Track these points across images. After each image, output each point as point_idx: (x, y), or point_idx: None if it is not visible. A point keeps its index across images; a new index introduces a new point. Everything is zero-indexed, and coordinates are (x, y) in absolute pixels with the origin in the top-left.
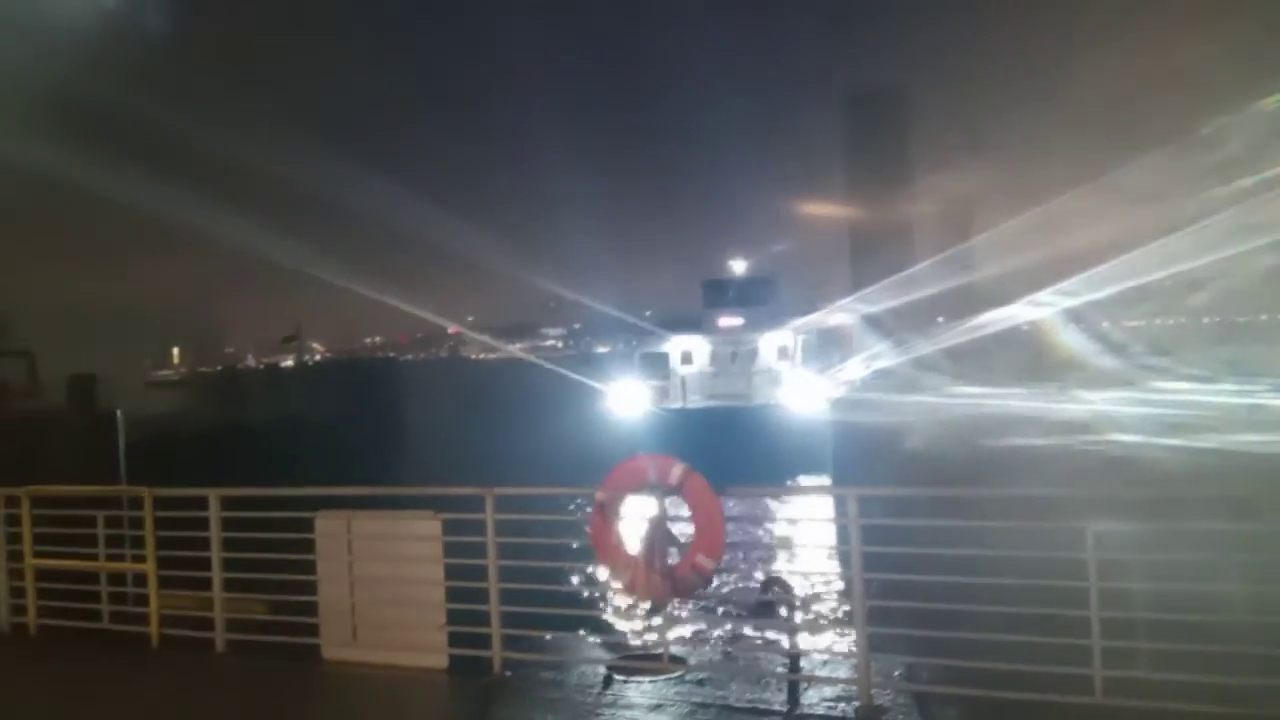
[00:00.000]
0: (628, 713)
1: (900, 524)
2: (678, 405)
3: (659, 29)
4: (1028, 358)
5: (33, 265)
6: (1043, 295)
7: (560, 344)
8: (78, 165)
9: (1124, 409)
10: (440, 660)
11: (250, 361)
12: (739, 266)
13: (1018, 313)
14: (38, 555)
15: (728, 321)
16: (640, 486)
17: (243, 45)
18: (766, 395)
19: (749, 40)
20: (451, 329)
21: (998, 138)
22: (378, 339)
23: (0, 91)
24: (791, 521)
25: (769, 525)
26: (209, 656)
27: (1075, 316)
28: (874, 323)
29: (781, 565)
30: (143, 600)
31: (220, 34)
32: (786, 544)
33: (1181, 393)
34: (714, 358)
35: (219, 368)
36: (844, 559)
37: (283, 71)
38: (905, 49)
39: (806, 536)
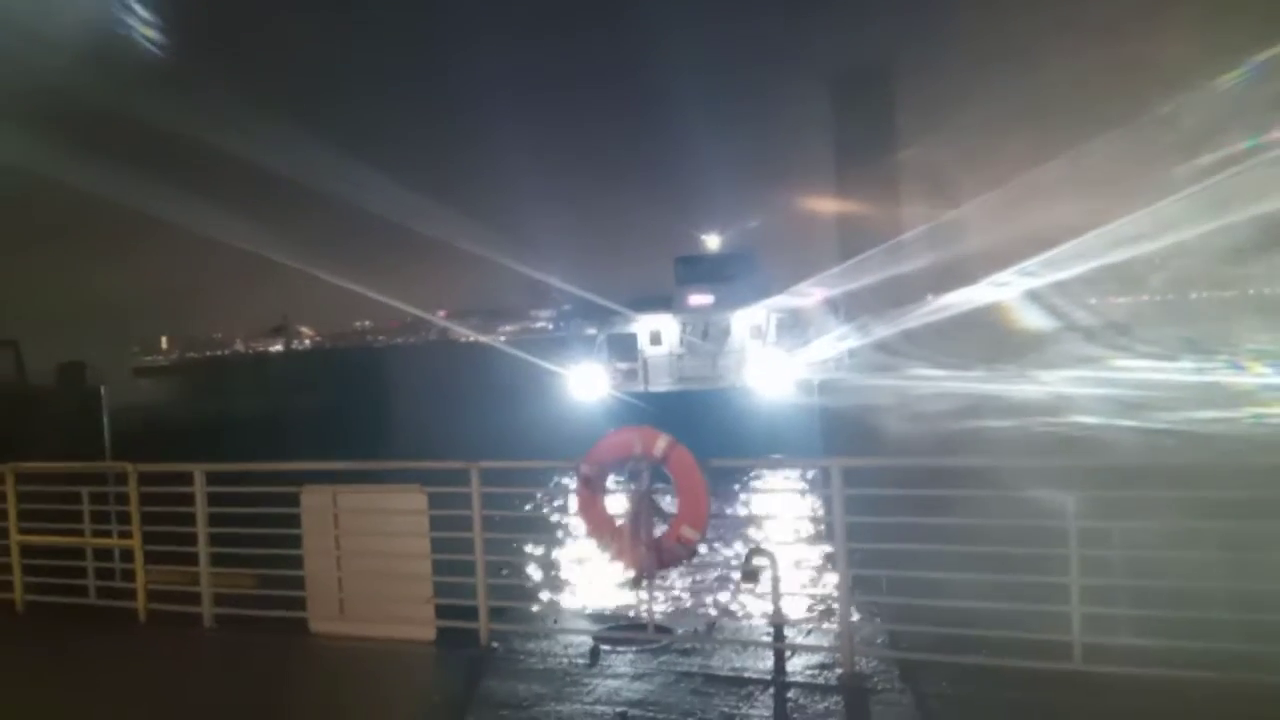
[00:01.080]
0: (614, 682)
1: (882, 494)
2: (640, 389)
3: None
4: (990, 339)
5: (19, 254)
6: (1004, 275)
7: (550, 325)
8: (61, 158)
9: (1084, 390)
10: (427, 633)
11: (239, 348)
12: (713, 242)
13: (980, 294)
14: (23, 531)
15: (698, 299)
16: (625, 459)
17: (218, 33)
18: (735, 377)
19: (722, 16)
20: (440, 313)
21: (966, 118)
22: (367, 323)
23: None
24: (775, 492)
25: (753, 496)
26: (196, 631)
27: (1036, 297)
28: (839, 303)
29: (765, 535)
30: (129, 576)
31: (192, 24)
32: (770, 515)
33: (1141, 371)
34: (683, 337)
35: (207, 354)
36: (828, 529)
37: (259, 60)
38: (874, 29)
39: (790, 507)
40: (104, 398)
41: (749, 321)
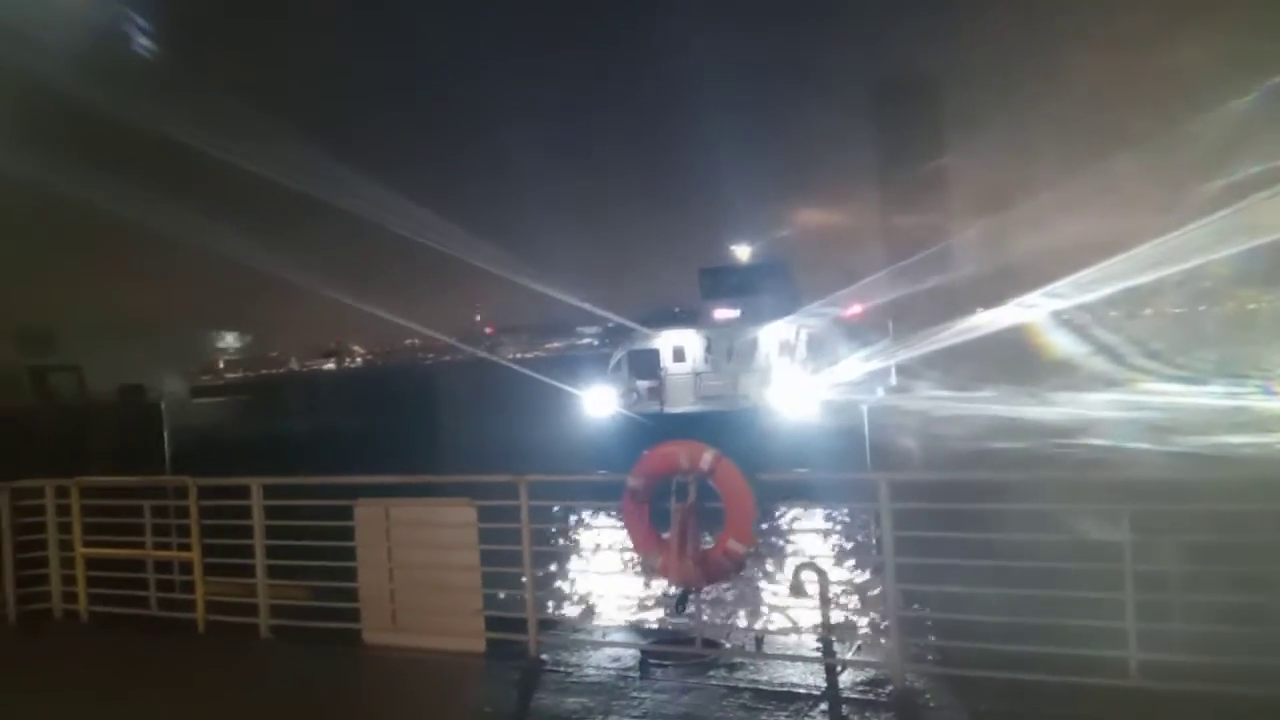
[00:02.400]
0: (661, 697)
1: (930, 508)
2: (654, 409)
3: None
4: (1019, 361)
5: (79, 279)
6: (1031, 297)
7: (595, 341)
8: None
9: (1114, 413)
10: (478, 645)
11: (293, 366)
12: (743, 253)
13: (1007, 314)
14: (87, 544)
15: (723, 313)
16: (672, 472)
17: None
18: (759, 397)
19: (748, 30)
20: (488, 329)
21: (997, 136)
22: (416, 341)
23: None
24: (823, 507)
25: (801, 510)
26: (253, 642)
27: (1064, 319)
28: (884, 316)
29: (813, 550)
30: (189, 587)
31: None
32: (818, 529)
33: (1170, 395)
34: (708, 353)
35: (262, 372)
36: (876, 544)
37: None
38: (905, 41)
39: (838, 522)
40: (164, 413)
41: (777, 337)
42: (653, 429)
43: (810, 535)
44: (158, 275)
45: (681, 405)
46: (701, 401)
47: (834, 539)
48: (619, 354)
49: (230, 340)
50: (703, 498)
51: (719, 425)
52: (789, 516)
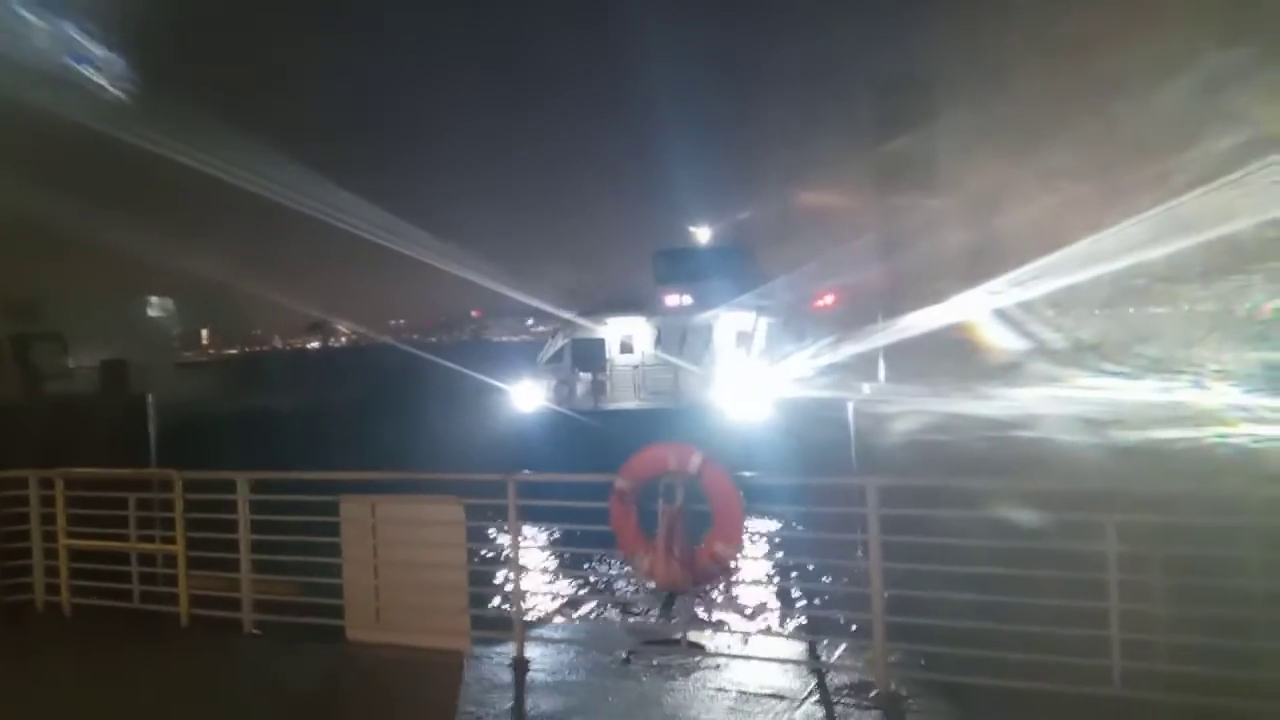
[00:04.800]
0: (646, 697)
1: (918, 514)
2: (589, 405)
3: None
4: (958, 356)
5: (64, 250)
6: (972, 293)
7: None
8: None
9: (1050, 409)
10: (462, 643)
11: (277, 344)
12: (703, 235)
13: (947, 311)
14: (71, 536)
15: (675, 299)
16: (659, 474)
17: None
18: (702, 394)
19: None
20: (474, 311)
21: (958, 125)
22: (402, 321)
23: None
24: (809, 510)
25: (787, 513)
26: (237, 636)
27: (1004, 315)
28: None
29: (800, 553)
30: (173, 581)
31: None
32: (804, 533)
33: (1106, 390)
34: (658, 344)
35: (246, 350)
36: (862, 548)
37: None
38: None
39: (824, 525)
40: (150, 406)
41: (735, 327)
42: (582, 427)
43: (797, 538)
44: (133, 249)
45: (621, 402)
46: (645, 398)
47: (821, 542)
48: (557, 343)
49: (161, 308)
50: (691, 500)
51: (658, 424)
52: (776, 518)
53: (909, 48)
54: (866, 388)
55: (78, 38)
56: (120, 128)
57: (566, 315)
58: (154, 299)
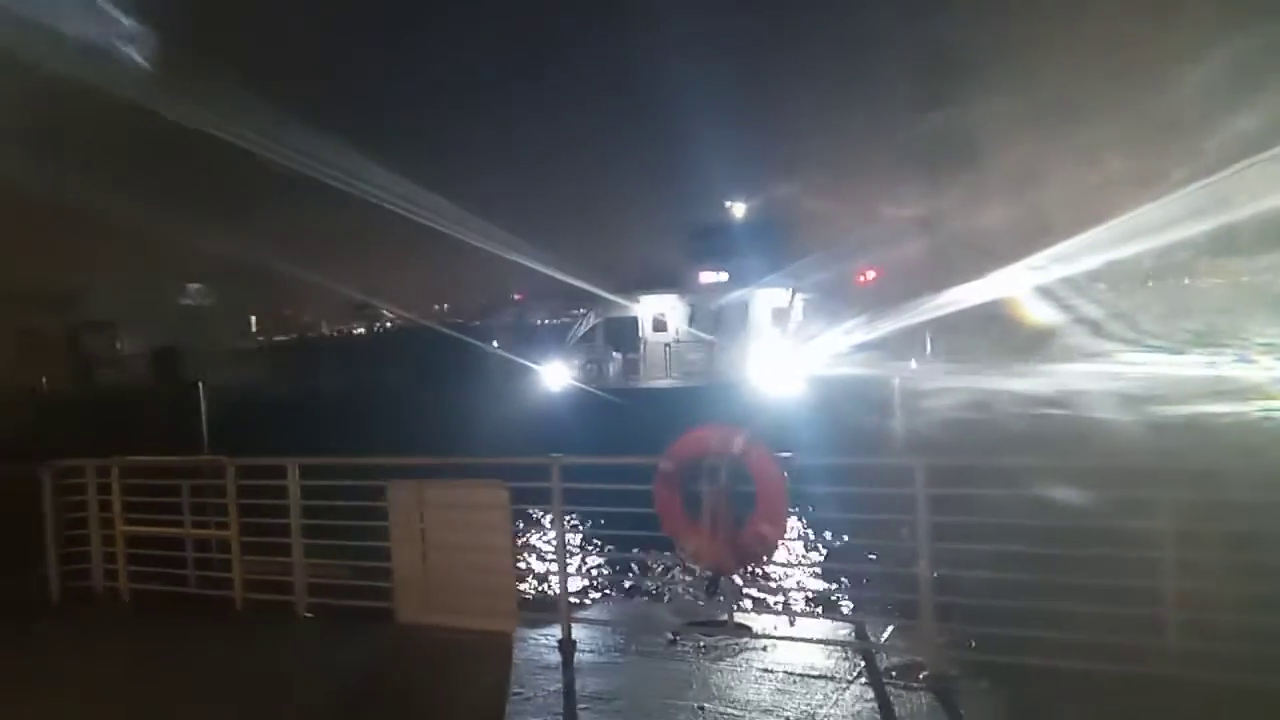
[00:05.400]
0: (694, 677)
1: (966, 494)
2: (620, 384)
3: None
4: (999, 333)
5: (112, 239)
6: (1014, 269)
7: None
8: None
9: (1093, 384)
10: (510, 624)
11: (324, 330)
12: (739, 210)
13: (988, 287)
14: (128, 523)
15: (710, 277)
16: (704, 455)
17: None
18: (736, 371)
19: None
20: (516, 295)
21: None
22: (446, 306)
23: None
24: (856, 491)
25: (834, 495)
26: (290, 619)
27: (1045, 291)
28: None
29: (847, 534)
30: (227, 566)
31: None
32: (851, 514)
33: (1148, 365)
34: (692, 322)
35: (294, 335)
36: (910, 529)
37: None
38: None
39: (871, 506)
40: (202, 393)
41: (770, 304)
42: (612, 407)
43: (844, 519)
44: (182, 236)
45: (653, 380)
46: (677, 376)
47: (868, 523)
48: (590, 322)
49: (262, 303)
50: (735, 481)
51: (690, 403)
52: (822, 499)
53: (950, 21)
54: (914, 363)
55: (112, 11)
56: (167, 108)
57: (599, 293)
58: (191, 286)
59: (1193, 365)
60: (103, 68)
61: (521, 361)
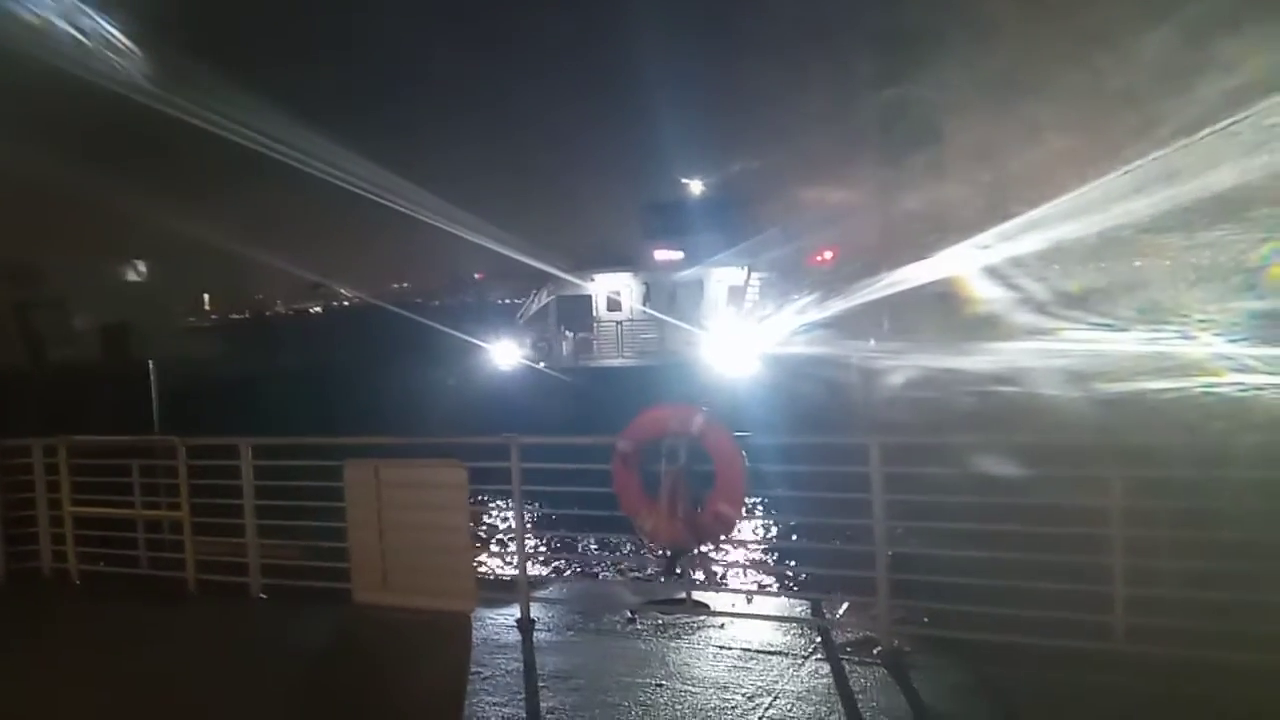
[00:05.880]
0: (651, 655)
1: (922, 472)
2: (572, 363)
3: None
4: (945, 311)
5: (64, 216)
6: (961, 248)
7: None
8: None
9: (1036, 361)
10: (469, 604)
11: (279, 308)
12: (696, 188)
13: (935, 266)
14: (76, 503)
15: (665, 254)
16: (662, 435)
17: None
18: (690, 350)
19: None
20: (477, 274)
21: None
22: (405, 285)
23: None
24: (812, 469)
25: (790, 473)
26: (244, 601)
27: (992, 270)
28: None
29: (802, 513)
30: (179, 546)
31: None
32: (808, 492)
33: (1092, 342)
34: (647, 300)
35: (248, 314)
36: (865, 506)
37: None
38: None
39: (827, 484)
40: (153, 372)
41: (726, 282)
42: (565, 386)
43: (800, 498)
44: (132, 214)
45: (605, 359)
46: (630, 355)
47: (825, 502)
48: (541, 300)
49: (214, 281)
50: (694, 460)
51: (642, 382)
52: (779, 478)
53: (902, 2)
54: (872, 342)
55: None
56: (117, 85)
57: (553, 271)
58: (137, 262)
59: (1136, 342)
60: (50, 41)
61: (470, 340)
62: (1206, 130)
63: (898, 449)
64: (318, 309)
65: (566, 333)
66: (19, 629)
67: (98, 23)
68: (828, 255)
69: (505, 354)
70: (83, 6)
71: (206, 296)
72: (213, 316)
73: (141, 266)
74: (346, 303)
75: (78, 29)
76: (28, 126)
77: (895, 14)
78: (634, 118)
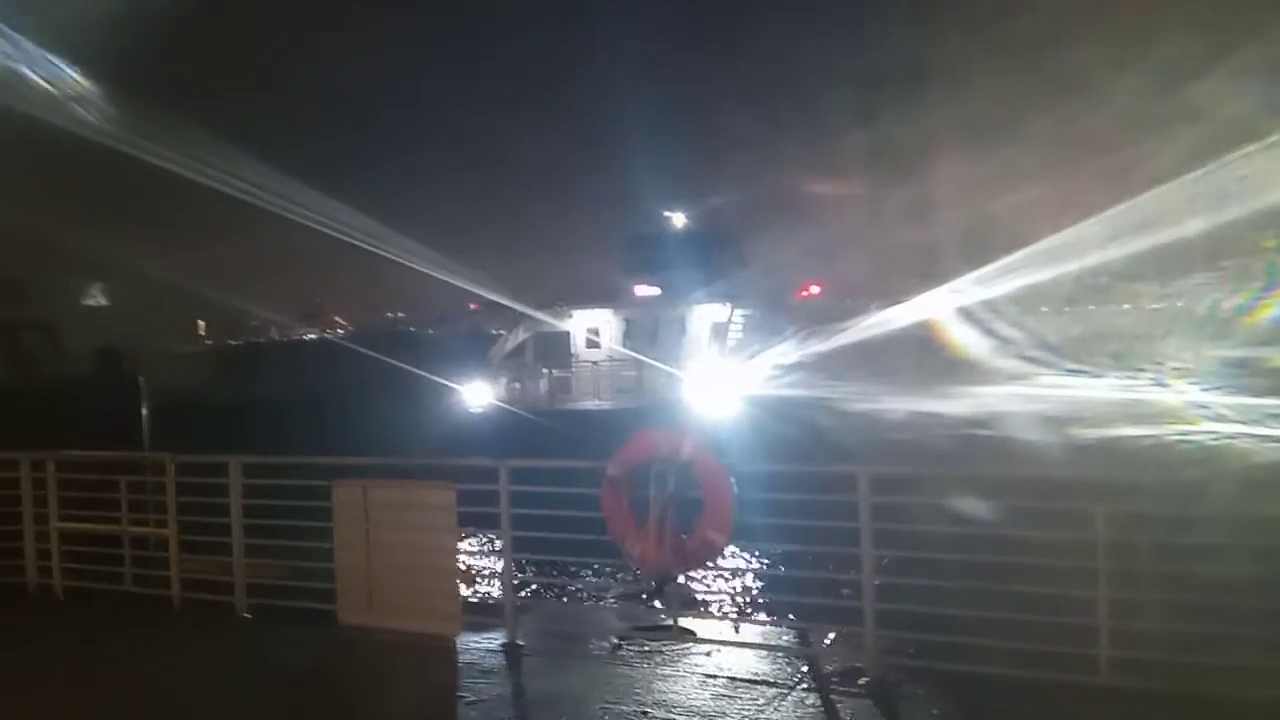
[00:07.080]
0: (637, 682)
1: (909, 502)
2: (547, 405)
3: None
4: (921, 354)
5: (61, 239)
6: (936, 291)
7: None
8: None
9: (1013, 406)
10: (454, 627)
11: (274, 335)
12: (679, 220)
13: (911, 309)
14: (63, 519)
15: (644, 290)
16: (652, 460)
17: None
18: (668, 390)
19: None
20: (472, 305)
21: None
22: (400, 314)
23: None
24: (800, 498)
25: (778, 501)
26: (230, 620)
27: (967, 313)
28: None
29: (790, 541)
30: (165, 564)
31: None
32: (796, 520)
33: (1068, 388)
34: (627, 337)
35: (244, 341)
36: (853, 536)
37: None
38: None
39: (815, 513)
40: (143, 388)
41: (709, 319)
42: (536, 430)
43: (789, 526)
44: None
45: (581, 401)
46: (607, 396)
47: (813, 530)
48: (518, 338)
49: (210, 308)
50: (683, 487)
51: (619, 427)
52: (767, 506)
53: (882, 44)
54: (852, 385)
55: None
56: (109, 135)
57: (527, 311)
58: (93, 287)
59: (1111, 388)
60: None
61: (438, 380)
62: (1180, 178)
63: (886, 479)
64: (313, 336)
65: (544, 371)
66: (1, 644)
67: (82, 85)
68: (814, 290)
69: (476, 394)
70: (53, 59)
71: (202, 323)
72: (207, 342)
73: (99, 290)
74: (340, 331)
75: (61, 87)
76: (15, 157)
77: (873, 57)
78: (615, 152)
